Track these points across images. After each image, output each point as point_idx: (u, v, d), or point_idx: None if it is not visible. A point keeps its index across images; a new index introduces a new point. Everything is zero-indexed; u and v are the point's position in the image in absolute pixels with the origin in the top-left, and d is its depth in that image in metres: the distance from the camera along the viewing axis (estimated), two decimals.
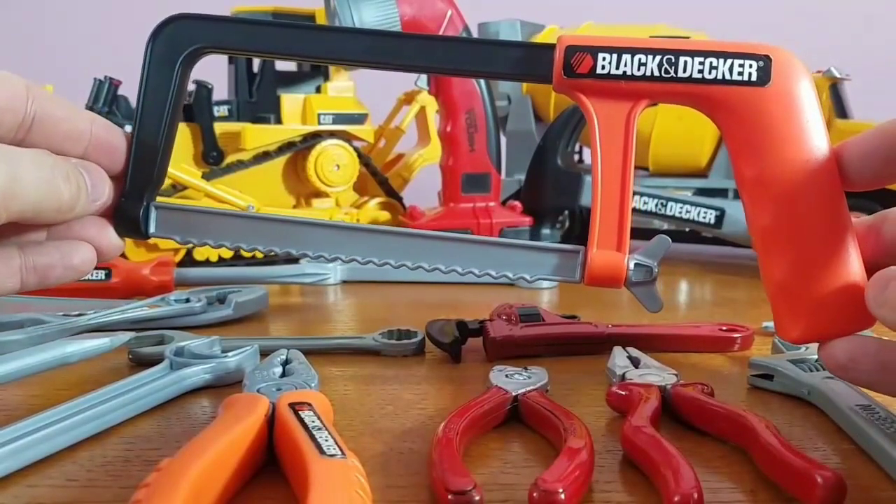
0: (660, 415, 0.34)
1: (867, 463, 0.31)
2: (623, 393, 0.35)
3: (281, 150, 0.78)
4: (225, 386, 0.39)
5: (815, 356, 0.40)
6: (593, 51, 0.31)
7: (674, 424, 0.34)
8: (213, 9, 0.36)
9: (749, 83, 0.31)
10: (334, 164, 0.79)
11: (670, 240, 0.34)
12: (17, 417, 0.31)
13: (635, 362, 0.39)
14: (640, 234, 0.79)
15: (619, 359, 0.40)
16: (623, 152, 0.32)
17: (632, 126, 0.32)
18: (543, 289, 0.65)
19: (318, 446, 0.27)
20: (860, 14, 1.25)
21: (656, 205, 0.72)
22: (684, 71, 0.31)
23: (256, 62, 0.79)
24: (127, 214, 0.34)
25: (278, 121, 0.78)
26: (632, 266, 0.33)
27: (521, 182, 0.82)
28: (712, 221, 0.68)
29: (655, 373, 0.37)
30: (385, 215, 0.83)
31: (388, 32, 0.35)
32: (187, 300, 0.52)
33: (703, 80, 0.31)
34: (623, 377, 0.37)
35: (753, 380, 0.40)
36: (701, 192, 0.77)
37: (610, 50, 0.31)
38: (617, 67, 0.31)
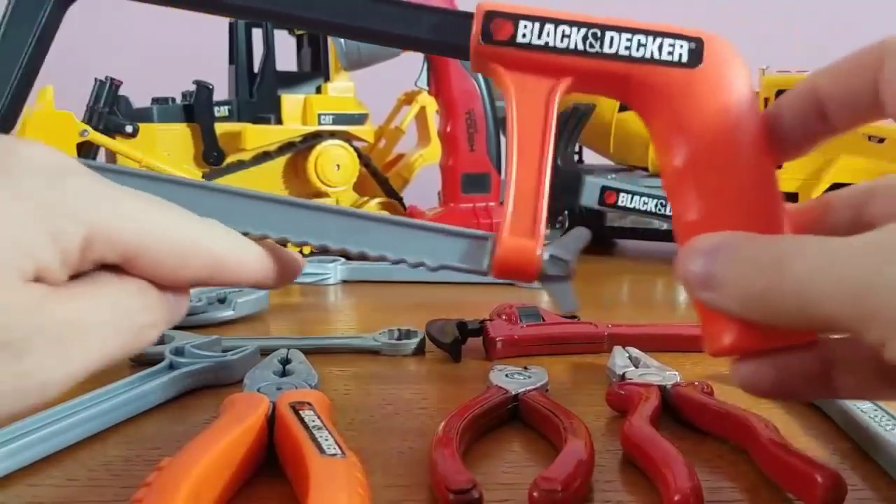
0: (660, 414, 0.34)
1: (867, 462, 0.31)
2: (623, 393, 0.35)
3: (281, 150, 0.78)
4: (225, 385, 0.39)
5: None
6: (514, 18, 0.29)
7: (674, 424, 0.34)
8: None
9: (679, 64, 0.29)
10: (334, 164, 0.79)
11: (590, 232, 0.31)
12: (17, 417, 0.31)
13: (635, 362, 0.39)
14: (640, 234, 0.80)
15: (619, 358, 0.40)
16: (542, 132, 0.30)
17: (552, 106, 0.30)
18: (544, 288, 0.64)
19: (319, 446, 0.27)
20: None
21: (656, 205, 0.72)
22: (610, 46, 0.29)
23: (257, 62, 0.79)
24: None
25: (278, 121, 0.78)
26: (546, 257, 0.30)
27: None
28: None
29: (655, 372, 0.37)
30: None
31: None
32: None
33: (629, 58, 0.29)
34: (623, 377, 0.37)
35: None
36: None
37: (532, 18, 0.29)
38: (539, 37, 0.29)
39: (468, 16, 0.30)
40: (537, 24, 0.29)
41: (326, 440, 0.27)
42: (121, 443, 0.33)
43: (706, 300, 0.24)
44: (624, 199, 0.72)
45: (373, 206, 0.83)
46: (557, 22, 0.29)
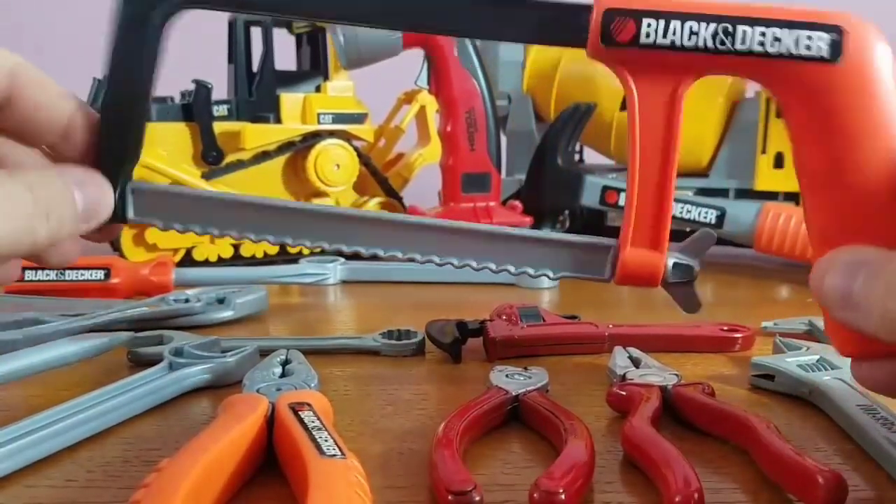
0: (660, 415, 0.34)
1: (868, 463, 0.31)
2: (623, 393, 0.35)
3: (280, 149, 0.78)
4: (224, 386, 0.39)
5: (816, 357, 0.40)
6: (637, 15, 0.27)
7: (674, 425, 0.34)
8: None
9: (818, 59, 0.26)
10: (334, 163, 0.79)
11: (714, 235, 0.31)
12: (17, 417, 0.31)
13: (636, 362, 0.39)
14: None
15: (619, 359, 0.40)
16: (665, 136, 0.29)
17: (678, 106, 0.28)
18: (544, 288, 0.64)
19: (318, 446, 0.27)
20: None
21: None
22: (743, 43, 0.27)
23: (256, 61, 0.79)
24: None
25: (278, 120, 0.78)
26: (671, 264, 0.30)
27: (521, 182, 0.82)
28: (713, 221, 0.68)
29: (656, 373, 0.37)
30: None
31: None
32: (187, 300, 0.52)
33: (764, 55, 0.27)
34: (624, 377, 0.37)
35: (754, 380, 0.40)
36: (701, 192, 0.77)
37: (656, 14, 0.27)
38: (664, 36, 0.27)
39: (586, 8, 0.28)
40: (662, 21, 0.27)
41: (326, 441, 0.27)
42: (119, 444, 0.32)
43: (842, 319, 0.24)
44: (625, 199, 0.72)
45: (372, 205, 0.83)
46: (684, 17, 0.27)
